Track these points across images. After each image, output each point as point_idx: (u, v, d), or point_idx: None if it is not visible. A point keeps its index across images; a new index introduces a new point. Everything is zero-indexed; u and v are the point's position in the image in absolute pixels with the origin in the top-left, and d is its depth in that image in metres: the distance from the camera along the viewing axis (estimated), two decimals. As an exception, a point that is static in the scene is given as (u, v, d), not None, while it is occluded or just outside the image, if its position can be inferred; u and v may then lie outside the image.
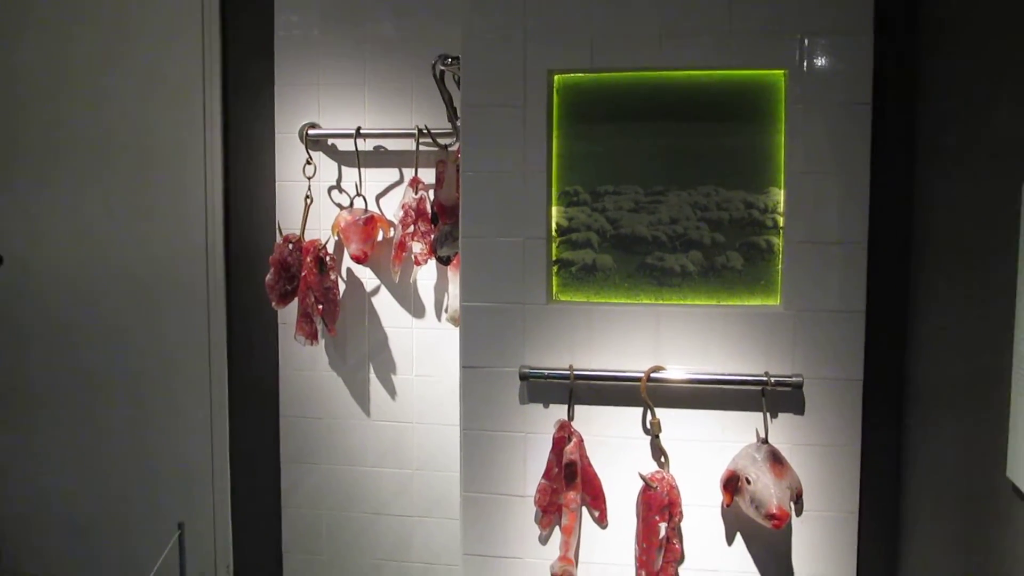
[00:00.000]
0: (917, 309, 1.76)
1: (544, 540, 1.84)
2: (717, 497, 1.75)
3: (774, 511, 1.62)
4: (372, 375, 2.54)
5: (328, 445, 2.59)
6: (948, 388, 1.58)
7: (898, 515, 1.83)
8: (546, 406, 1.81)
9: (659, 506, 1.70)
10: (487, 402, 1.82)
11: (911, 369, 1.78)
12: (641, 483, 1.72)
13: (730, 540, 1.78)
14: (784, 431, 1.73)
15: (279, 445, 2.61)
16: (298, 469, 2.61)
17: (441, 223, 2.09)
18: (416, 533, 2.55)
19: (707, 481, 1.76)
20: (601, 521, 1.80)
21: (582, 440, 1.77)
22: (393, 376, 2.52)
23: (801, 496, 1.72)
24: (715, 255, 1.80)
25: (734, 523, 1.77)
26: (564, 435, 1.76)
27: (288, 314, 2.51)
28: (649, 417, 1.76)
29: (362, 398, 2.55)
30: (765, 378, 1.70)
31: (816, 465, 1.73)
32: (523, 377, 1.78)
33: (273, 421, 2.59)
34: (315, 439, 2.59)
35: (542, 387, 1.80)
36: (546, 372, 1.78)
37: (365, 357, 2.54)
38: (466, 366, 1.84)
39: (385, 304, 2.53)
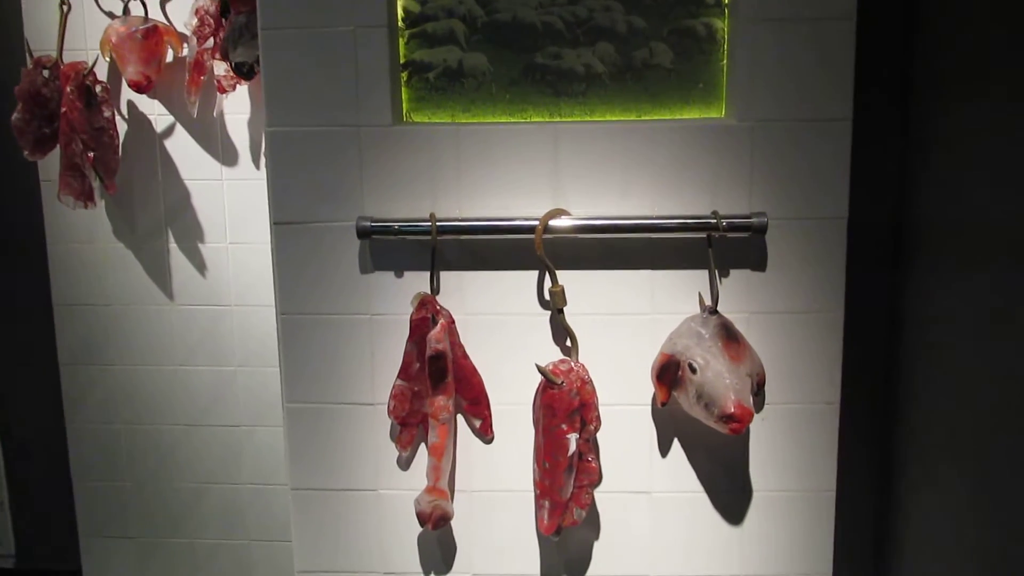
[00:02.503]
0: (923, 114, 1.38)
1: (405, 464, 1.41)
2: (647, 393, 1.36)
3: (731, 409, 1.24)
4: (172, 245, 2.09)
5: (120, 340, 2.15)
6: (958, 233, 1.23)
7: (894, 403, 1.48)
8: (399, 275, 1.36)
9: (566, 410, 1.30)
10: (313, 273, 1.35)
11: (917, 208, 1.42)
12: (540, 379, 1.31)
13: (665, 451, 1.38)
14: (739, 296, 1.33)
15: (55, 343, 2.14)
16: (83, 373, 2.16)
17: (233, 13, 1.57)
18: (244, 448, 2.16)
19: (632, 372, 1.35)
20: (484, 433, 1.39)
21: (452, 322, 1.34)
22: (201, 246, 2.08)
23: (763, 385, 1.36)
24: (633, 48, 1.34)
25: (670, 428, 1.38)
26: (426, 316, 1.32)
27: (51, 167, 1.99)
28: (548, 284, 1.33)
29: (160, 276, 2.10)
30: (712, 220, 1.27)
31: (784, 342, 1.34)
32: (363, 233, 1.31)
33: (45, 311, 2.13)
34: (102, 333, 2.15)
35: (391, 248, 1.34)
36: (396, 225, 1.31)
37: (161, 222, 2.09)
38: (279, 222, 1.36)
39: (183, 149, 2.05)
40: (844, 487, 1.40)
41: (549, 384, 1.27)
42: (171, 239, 2.09)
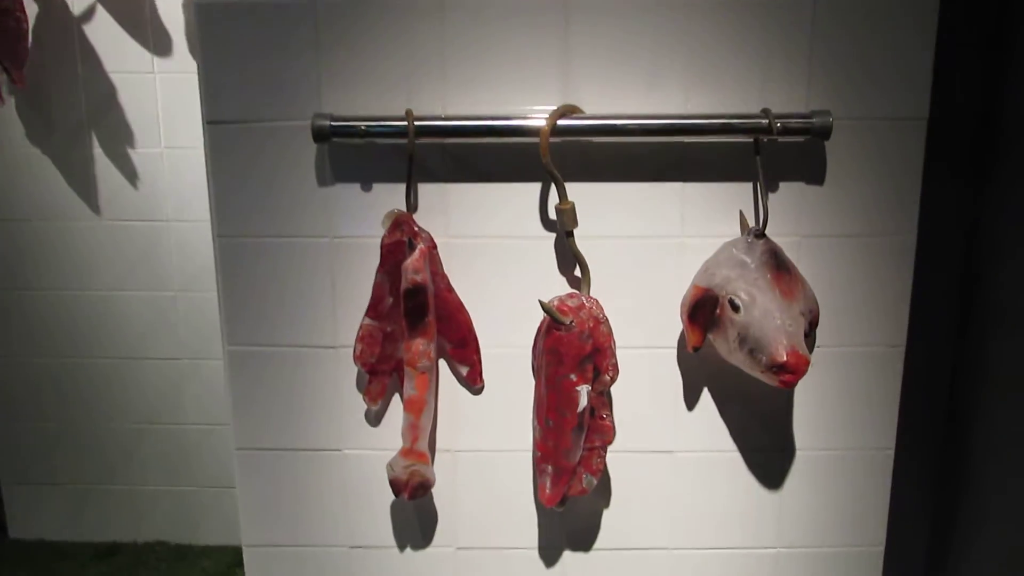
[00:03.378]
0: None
1: (375, 420, 1.19)
2: (673, 335, 1.14)
3: (783, 357, 1.03)
4: (96, 151, 1.88)
5: (40, 262, 1.94)
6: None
7: (971, 342, 1.27)
8: (366, 188, 1.12)
9: (576, 356, 1.08)
10: (258, 186, 1.11)
11: (1009, 109, 1.18)
12: (543, 318, 1.10)
13: (691, 403, 1.17)
14: (789, 216, 1.11)
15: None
16: (-2, 302, 1.97)
17: None
18: (188, 383, 1.98)
19: (657, 309, 1.14)
20: (472, 383, 1.16)
21: (434, 247, 1.10)
22: (131, 151, 1.87)
23: (816, 325, 1.16)
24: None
25: (700, 377, 1.16)
26: (401, 239, 1.08)
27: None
28: (555, 200, 1.10)
29: (85, 187, 1.89)
30: (762, 120, 1.04)
31: (841, 271, 1.12)
32: (320, 135, 1.06)
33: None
34: (18, 253, 1.94)
35: (357, 154, 1.10)
36: (363, 125, 1.05)
37: (83, 124, 1.87)
38: (214, 121, 1.10)
39: (106, 35, 1.83)
40: (904, 444, 1.21)
41: (554, 324, 1.05)
42: (95, 143, 1.87)
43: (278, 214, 1.12)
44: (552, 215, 1.11)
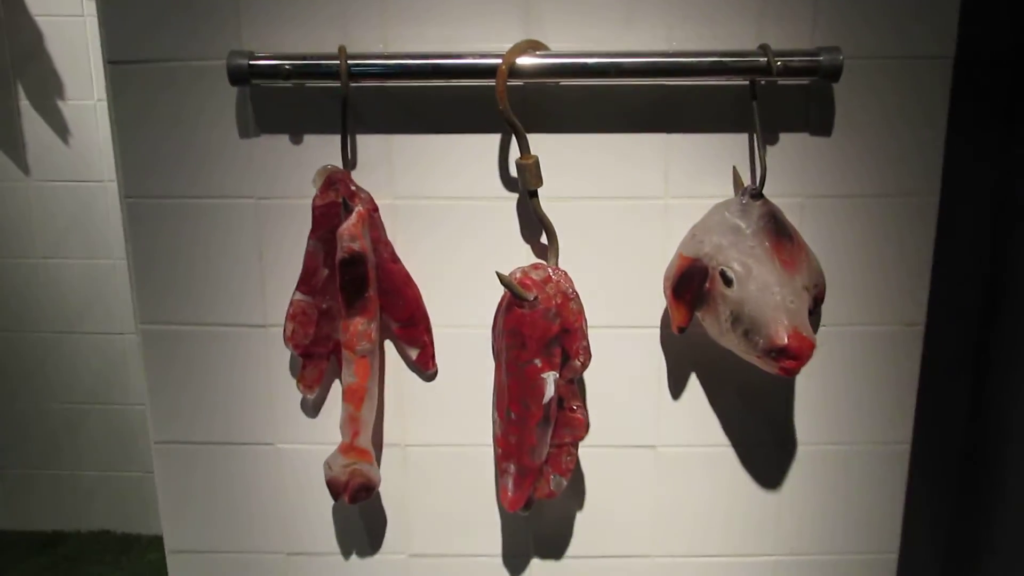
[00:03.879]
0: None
1: (312, 410, 1.05)
2: (655, 313, 1.00)
3: (784, 340, 0.88)
4: (23, 103, 1.77)
5: None
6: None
7: (998, 324, 1.14)
8: (296, 140, 0.96)
9: (541, 338, 0.92)
10: (167, 137, 0.96)
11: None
12: (503, 292, 0.95)
13: (677, 391, 1.02)
14: (790, 173, 0.96)
15: None
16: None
17: None
18: (130, 359, 1.86)
19: (635, 283, 0.99)
20: (423, 367, 1.02)
21: (375, 209, 0.95)
22: (61, 103, 1.75)
23: (822, 301, 1.01)
24: None
25: (686, 360, 1.02)
26: (336, 200, 0.93)
27: None
28: (516, 154, 0.95)
29: (10, 144, 1.79)
30: (759, 59, 0.89)
31: (851, 239, 0.98)
32: (238, 76, 0.90)
33: None
34: None
35: (282, 99, 0.95)
36: (288, 64, 0.90)
37: (7, 72, 1.75)
38: (115, 60, 0.94)
39: None
40: (921, 438, 1.07)
41: (516, 300, 0.91)
42: (21, 95, 1.74)
43: (194, 171, 0.96)
44: (513, 172, 0.96)
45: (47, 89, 1.73)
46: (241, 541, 1.08)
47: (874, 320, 1.00)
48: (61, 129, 1.74)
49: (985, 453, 1.14)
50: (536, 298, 0.90)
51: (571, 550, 1.07)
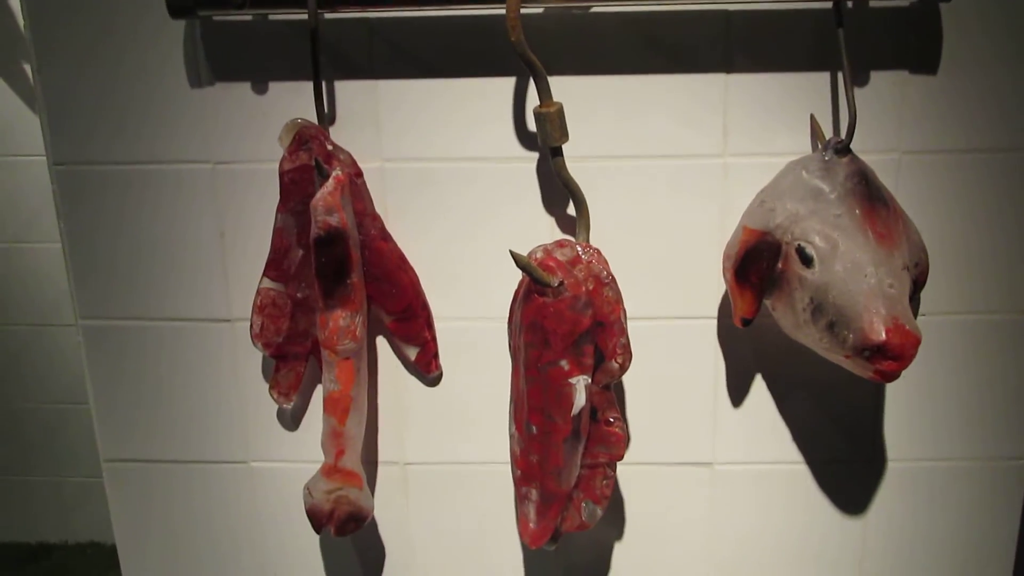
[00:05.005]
0: None
1: (292, 421, 0.86)
2: (712, 301, 0.82)
3: (881, 335, 0.71)
4: None
5: None
6: None
7: None
8: (258, 89, 0.77)
9: (567, 334, 0.74)
10: (107, 90, 0.78)
11: None
12: (520, 276, 0.76)
13: (738, 398, 0.84)
14: (887, 123, 0.77)
15: None
16: None
17: None
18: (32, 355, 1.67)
19: (686, 263, 0.81)
20: (425, 369, 0.83)
21: (359, 174, 0.77)
22: None
23: (924, 283, 0.83)
24: None
25: (752, 360, 0.83)
26: (307, 163, 0.75)
27: None
28: (534, 101, 0.76)
29: None
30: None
31: (960, 205, 0.78)
32: (179, 7, 0.72)
33: None
34: None
35: (239, 36, 0.76)
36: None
37: None
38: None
39: None
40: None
41: (537, 287, 0.74)
42: None
43: (136, 131, 0.78)
44: (532, 124, 0.78)
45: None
46: (207, 573, 0.91)
47: (984, 308, 0.81)
48: (30, 99, 1.59)
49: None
50: (562, 284, 0.71)
51: (608, 588, 0.91)
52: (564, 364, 0.73)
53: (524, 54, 0.70)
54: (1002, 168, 0.77)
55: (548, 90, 0.72)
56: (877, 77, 0.75)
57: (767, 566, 0.89)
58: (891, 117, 0.76)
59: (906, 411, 0.84)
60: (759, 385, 0.83)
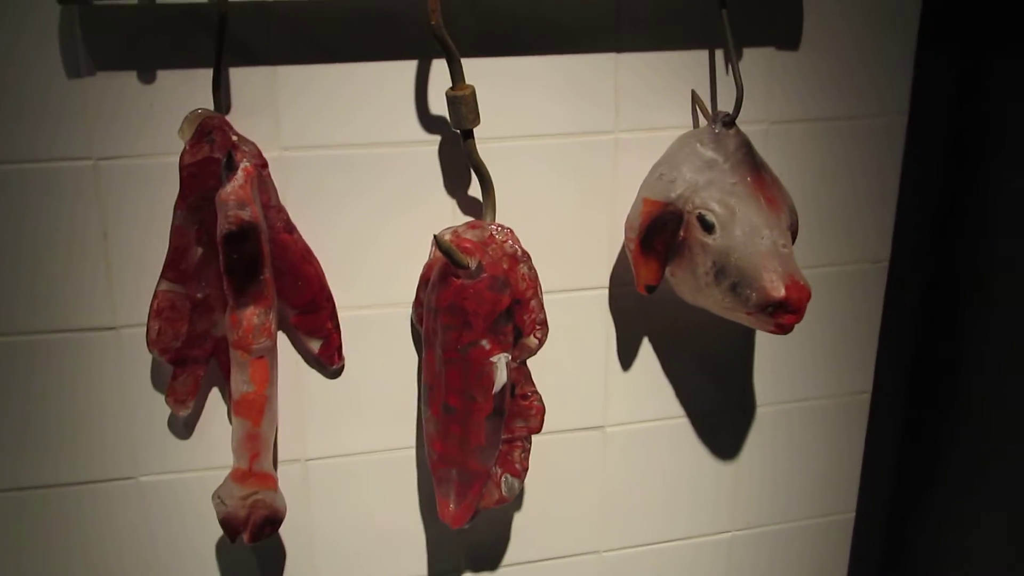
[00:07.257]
0: None
1: (186, 430, 0.82)
2: (604, 271, 0.85)
3: (781, 291, 0.78)
4: None
5: None
6: None
7: (964, 257, 1.04)
8: (146, 78, 0.72)
9: (488, 313, 0.73)
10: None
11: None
12: (427, 261, 0.78)
13: (627, 363, 0.88)
14: (759, 96, 0.83)
15: None
16: None
17: None
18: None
19: (576, 238, 0.84)
20: (328, 362, 0.82)
21: (264, 165, 0.73)
22: None
23: (795, 239, 0.90)
24: None
25: (641, 325, 0.88)
26: (212, 155, 0.71)
27: None
28: (441, 84, 0.76)
29: None
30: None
31: (821, 166, 0.87)
32: (63, -7, 0.68)
33: None
34: None
35: (128, 20, 0.70)
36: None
37: None
38: None
39: None
40: (880, 390, 0.99)
41: (454, 268, 0.75)
42: None
43: (9, 127, 0.71)
44: (434, 108, 0.77)
45: None
46: (96, 604, 0.86)
47: (838, 259, 0.90)
48: None
49: (948, 396, 1.08)
50: (480, 264, 0.73)
51: (509, 557, 0.92)
52: (485, 344, 0.74)
53: (442, 37, 0.70)
54: (850, 132, 0.86)
55: (461, 73, 0.73)
56: (748, 55, 0.82)
57: (652, 516, 0.95)
58: (761, 91, 0.83)
59: (771, 361, 0.92)
60: (646, 349, 0.89)
